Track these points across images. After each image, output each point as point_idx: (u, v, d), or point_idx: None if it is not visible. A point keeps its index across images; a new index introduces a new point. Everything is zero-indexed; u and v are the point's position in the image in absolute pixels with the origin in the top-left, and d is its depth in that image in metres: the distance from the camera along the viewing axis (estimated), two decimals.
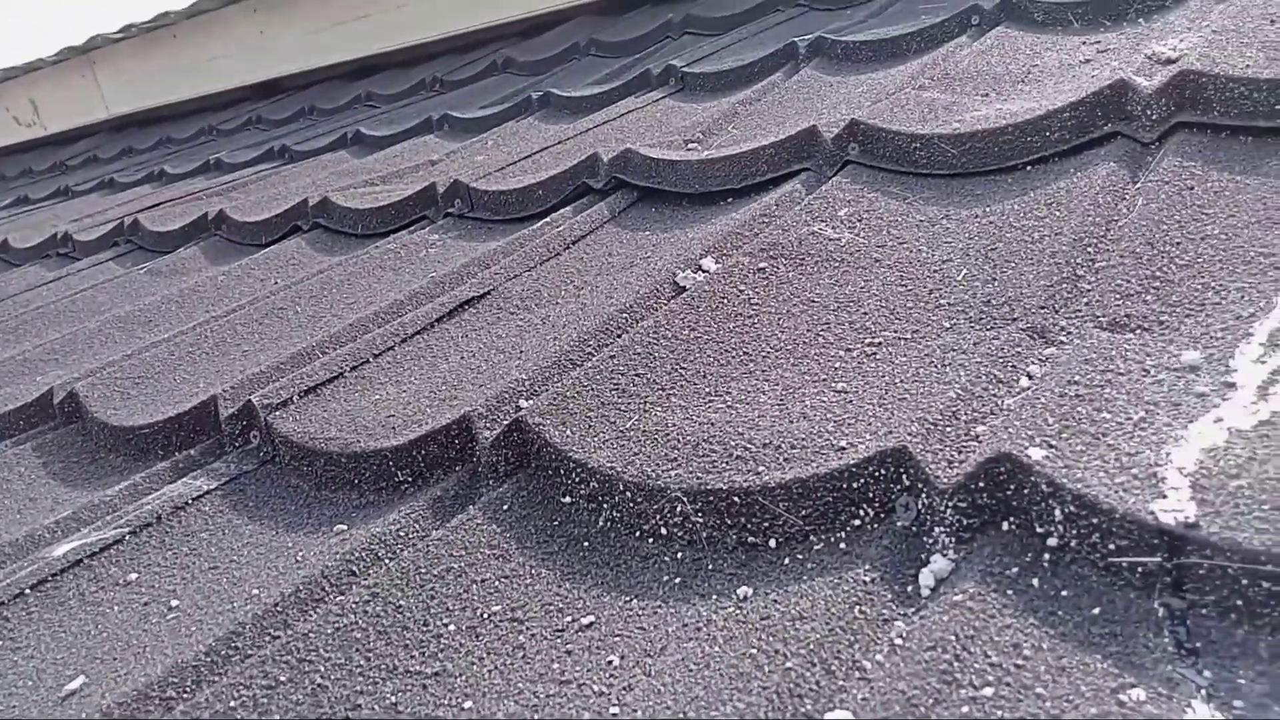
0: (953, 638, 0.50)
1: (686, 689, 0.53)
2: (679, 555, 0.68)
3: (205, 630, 0.70)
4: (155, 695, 0.62)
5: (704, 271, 1.10)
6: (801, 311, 0.95)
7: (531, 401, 0.86)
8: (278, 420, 0.99)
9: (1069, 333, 0.79)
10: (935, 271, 0.97)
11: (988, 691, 0.47)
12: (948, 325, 0.86)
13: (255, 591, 0.74)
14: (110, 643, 0.74)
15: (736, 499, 0.67)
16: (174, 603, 0.76)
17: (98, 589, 0.81)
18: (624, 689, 0.55)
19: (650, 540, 0.71)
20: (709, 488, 0.68)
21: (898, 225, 1.11)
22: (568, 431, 0.79)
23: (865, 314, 0.91)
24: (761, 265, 1.05)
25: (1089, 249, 0.92)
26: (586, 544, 0.72)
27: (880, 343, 0.86)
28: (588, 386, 0.86)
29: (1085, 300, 0.83)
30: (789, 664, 0.52)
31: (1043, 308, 0.83)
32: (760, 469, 0.68)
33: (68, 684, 0.69)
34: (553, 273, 1.27)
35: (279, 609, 0.69)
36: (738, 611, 0.60)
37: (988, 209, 1.07)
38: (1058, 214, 0.99)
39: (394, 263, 1.51)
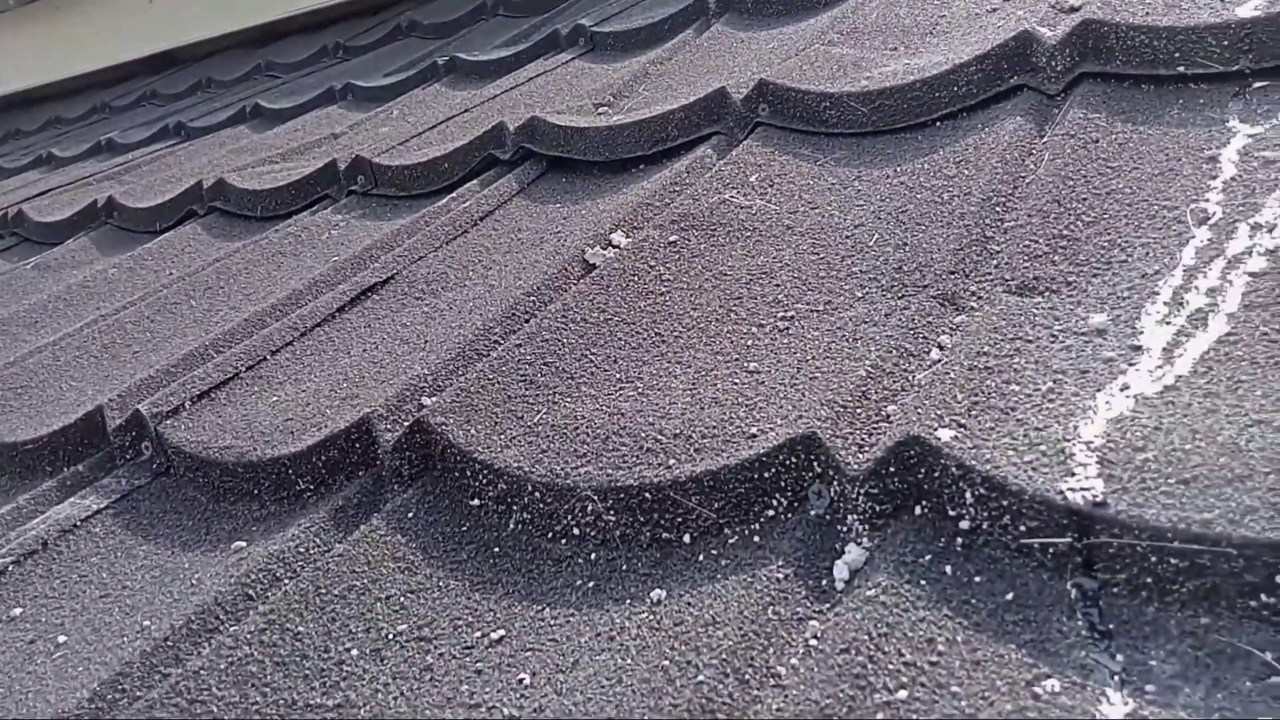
0: (866, 637, 0.48)
1: (599, 708, 0.51)
2: (592, 556, 0.66)
3: (92, 671, 0.65)
4: None
5: (615, 247, 1.07)
6: (713, 286, 0.92)
7: (434, 399, 0.82)
8: (169, 430, 0.93)
9: (979, 298, 0.78)
10: (848, 237, 0.95)
11: (901, 694, 0.45)
12: (860, 295, 0.84)
13: (146, 623, 0.70)
14: None
15: (648, 495, 0.65)
16: (61, 639, 0.72)
17: None
18: (535, 710, 0.53)
19: (563, 541, 0.68)
20: (620, 484, 0.66)
21: (810, 189, 1.08)
22: (472, 430, 0.76)
23: (778, 286, 0.89)
24: (672, 238, 1.02)
25: (997, 209, 0.90)
26: (497, 549, 0.69)
27: (793, 316, 0.84)
28: (493, 380, 0.82)
29: (994, 263, 0.82)
30: (701, 676, 0.50)
31: (953, 273, 0.82)
32: (671, 462, 0.65)
33: None
34: (459, 252, 1.22)
35: (169, 643, 0.65)
36: (651, 617, 0.58)
37: (899, 168, 1.06)
38: (966, 172, 0.98)
39: (294, 247, 1.45)
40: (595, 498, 0.66)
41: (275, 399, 0.95)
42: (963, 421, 0.58)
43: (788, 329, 0.82)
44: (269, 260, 1.42)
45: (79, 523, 0.86)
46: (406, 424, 0.79)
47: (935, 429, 0.57)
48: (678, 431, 0.69)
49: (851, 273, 0.88)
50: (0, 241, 2.19)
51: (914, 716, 0.44)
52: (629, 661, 0.54)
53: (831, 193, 1.06)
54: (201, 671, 0.60)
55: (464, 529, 0.72)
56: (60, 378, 1.17)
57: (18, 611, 0.76)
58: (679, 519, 0.64)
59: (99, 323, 1.32)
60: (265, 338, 1.07)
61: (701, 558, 0.62)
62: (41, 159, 3.10)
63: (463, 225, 1.29)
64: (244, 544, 0.78)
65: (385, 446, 0.79)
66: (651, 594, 0.60)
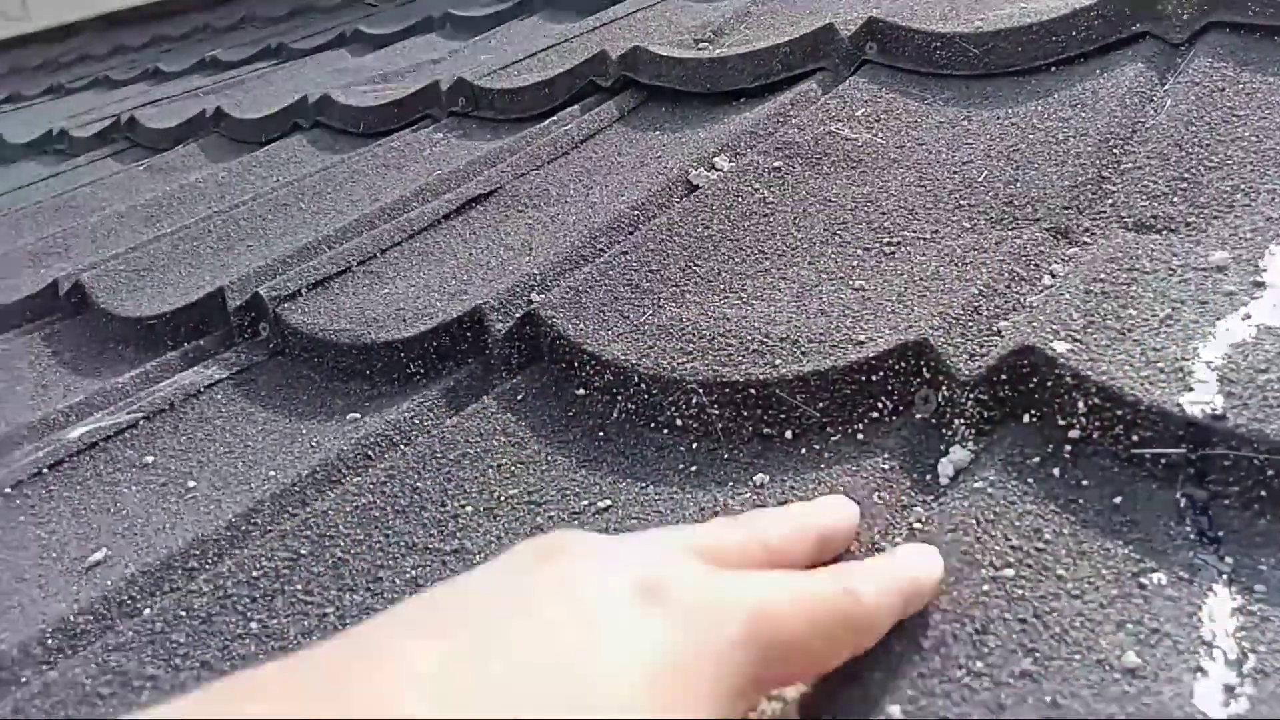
0: (973, 522, 0.50)
1: None
2: (694, 446, 0.68)
3: (224, 508, 0.70)
4: (178, 565, 0.63)
5: (717, 170, 1.08)
6: (818, 211, 0.93)
7: (544, 295, 0.85)
8: (286, 312, 0.98)
9: (1092, 233, 0.78)
10: (955, 173, 0.95)
11: (1008, 572, 0.47)
12: (968, 225, 0.84)
13: (272, 474, 0.74)
14: (130, 520, 0.74)
15: (753, 391, 0.67)
16: (191, 484, 0.77)
17: (114, 470, 0.81)
18: None
19: (665, 431, 0.71)
20: (725, 380, 0.68)
21: (917, 126, 1.08)
22: (580, 324, 0.79)
23: (883, 214, 0.90)
24: (777, 164, 1.03)
25: (1114, 150, 0.90)
26: (601, 434, 0.72)
27: (899, 242, 0.84)
28: (600, 281, 0.85)
29: (1110, 201, 0.82)
30: None
31: (1066, 208, 0.82)
32: (778, 362, 0.67)
33: (91, 555, 0.70)
34: (560, 171, 1.25)
35: (297, 488, 0.69)
36: (754, 496, 0.60)
37: (1010, 110, 1.05)
38: (1083, 115, 0.97)
39: (397, 160, 1.49)
40: (700, 391, 0.69)
41: (386, 291, 0.99)
42: (1078, 337, 0.59)
43: (893, 253, 0.83)
44: (374, 171, 1.46)
45: (202, 389, 0.92)
46: (517, 316, 0.82)
47: (1051, 341, 0.58)
48: (784, 335, 0.71)
49: (959, 205, 0.89)
50: (113, 145, 2.28)
51: (1019, 591, 0.46)
52: None
53: (939, 130, 1.06)
54: (329, 512, 0.64)
55: (570, 414, 0.75)
56: (179, 263, 1.23)
57: (150, 459, 0.82)
58: (782, 415, 0.66)
59: (213, 218, 1.38)
60: (375, 237, 1.11)
61: (804, 451, 0.64)
62: (149, 72, 3.19)
63: (563, 146, 1.31)
64: (358, 416, 0.82)
65: (496, 336, 0.82)
66: (754, 478, 0.62)
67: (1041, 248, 0.76)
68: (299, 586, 0.59)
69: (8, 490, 0.80)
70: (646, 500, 0.63)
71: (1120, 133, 0.92)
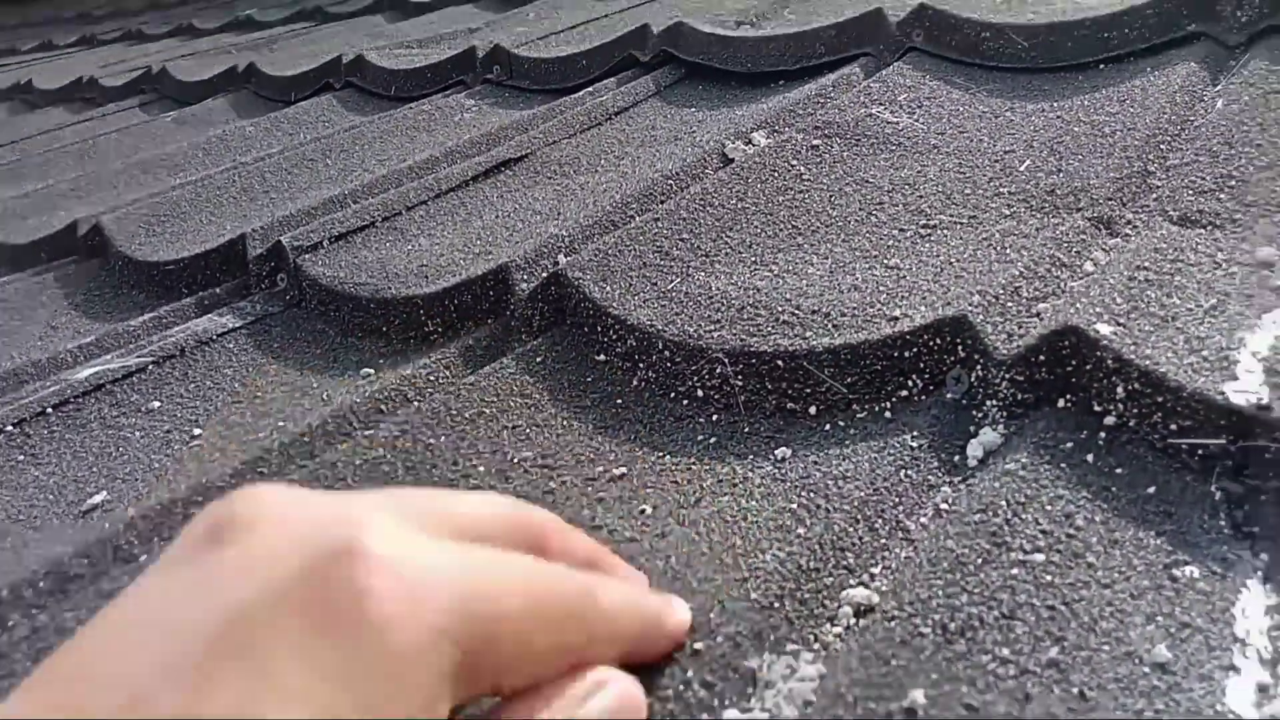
0: (1003, 503, 0.48)
1: (723, 538, 0.52)
2: (715, 417, 0.67)
3: (230, 456, 0.69)
4: (179, 511, 0.62)
5: (754, 145, 1.06)
6: (854, 190, 0.91)
7: (571, 257, 0.83)
8: (307, 263, 0.97)
9: (1135, 225, 0.76)
10: (996, 161, 0.93)
11: (1038, 557, 0.45)
12: (1008, 212, 0.82)
13: (281, 424, 0.73)
14: (132, 464, 0.73)
15: (780, 363, 0.65)
16: (196, 431, 0.76)
17: (119, 414, 0.80)
18: (657, 536, 0.54)
19: (686, 401, 0.69)
20: (752, 350, 0.66)
21: (959, 114, 1.06)
22: (607, 288, 0.77)
23: (921, 197, 0.88)
24: (815, 143, 1.01)
25: (1161, 146, 0.87)
26: (620, 401, 0.71)
27: (936, 225, 0.82)
28: (629, 246, 0.83)
29: (1155, 195, 0.80)
30: (831, 518, 0.50)
31: (1110, 199, 0.79)
32: (807, 334, 0.66)
33: (90, 498, 0.69)
34: (593, 141, 1.23)
35: (305, 439, 0.68)
36: (775, 470, 0.58)
37: (1055, 104, 1.03)
38: (1131, 110, 0.94)
39: (428, 123, 1.47)
40: (725, 360, 0.67)
41: (410, 248, 0.98)
42: (1121, 321, 0.57)
43: (930, 235, 0.81)
44: (403, 132, 1.44)
45: (215, 337, 0.90)
46: (543, 276, 0.81)
47: (1093, 323, 0.56)
48: (815, 308, 0.69)
49: (999, 193, 0.86)
50: (141, 95, 2.27)
51: (1048, 577, 0.44)
52: (753, 504, 0.55)
53: (982, 119, 1.04)
54: (338, 464, 0.63)
55: (589, 379, 0.73)
56: (200, 211, 1.22)
57: (156, 404, 0.81)
58: (808, 390, 0.64)
59: (238, 169, 1.37)
60: (401, 194, 1.09)
61: (828, 427, 0.62)
62: (182, 28, 3.19)
63: (597, 117, 1.29)
64: (372, 372, 0.81)
65: (520, 295, 0.80)
66: (776, 451, 0.60)
67: (1084, 236, 0.74)
68: None
69: (9, 428, 0.79)
70: (663, 470, 0.61)
71: (1169, 129, 0.90)
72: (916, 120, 1.05)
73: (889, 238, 0.81)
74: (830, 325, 0.66)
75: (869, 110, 1.08)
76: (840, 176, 0.94)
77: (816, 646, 0.44)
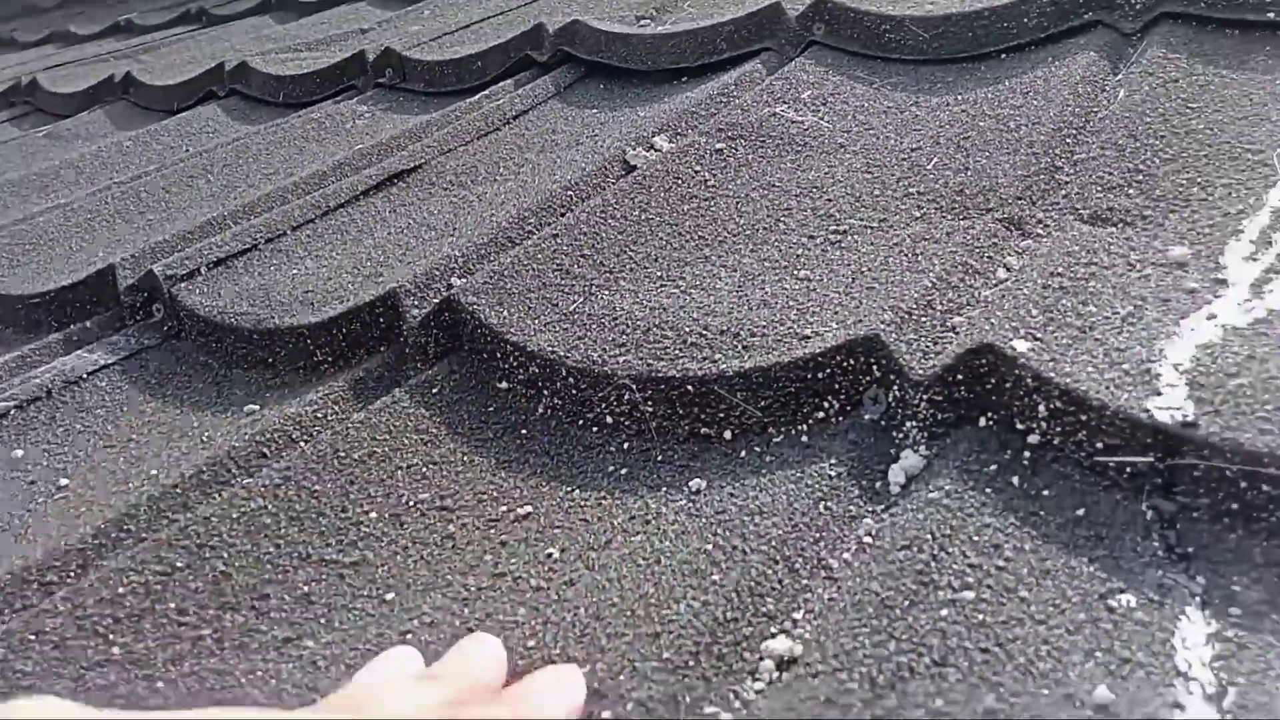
0: (928, 536, 0.45)
1: (634, 585, 0.48)
2: (625, 445, 0.63)
3: (95, 512, 0.62)
4: (33, 580, 0.55)
5: (656, 150, 1.02)
6: (761, 196, 0.88)
7: (465, 280, 0.78)
8: (183, 293, 0.90)
9: (1046, 225, 0.75)
10: (903, 159, 0.91)
11: (968, 594, 0.43)
12: (918, 214, 0.80)
13: (154, 472, 0.67)
14: None
15: (690, 388, 0.61)
16: (63, 481, 0.69)
17: None
18: (565, 583, 0.50)
19: (594, 429, 0.65)
20: (660, 375, 0.62)
21: (864, 110, 1.04)
22: (505, 312, 0.72)
23: (829, 200, 0.85)
24: (719, 146, 0.98)
25: (1067, 140, 0.86)
26: (524, 432, 0.66)
27: (845, 230, 0.80)
28: (527, 266, 0.78)
29: (1063, 192, 0.78)
30: (749, 559, 0.47)
31: (1019, 198, 0.78)
32: (717, 357, 0.62)
33: None
34: (491, 148, 1.18)
35: (179, 490, 0.62)
36: (690, 505, 0.55)
37: (959, 96, 1.01)
38: (1034, 103, 0.93)
39: (317, 133, 1.40)
40: (633, 386, 0.63)
41: (295, 272, 0.92)
42: (1039, 335, 0.55)
43: (840, 242, 0.78)
44: (290, 144, 1.37)
45: (85, 375, 0.83)
46: (435, 301, 0.76)
47: (1010, 339, 0.54)
48: (724, 328, 0.65)
49: (908, 193, 0.84)
50: (11, 110, 2.13)
51: (980, 616, 0.41)
52: (667, 544, 0.51)
53: (887, 115, 1.02)
54: (212, 518, 0.57)
55: (490, 409, 0.69)
56: (70, 237, 1.13)
57: (19, 454, 0.73)
58: (721, 414, 0.61)
59: (112, 189, 1.28)
60: (286, 213, 1.03)
61: (744, 454, 0.59)
62: (57, 35, 3.01)
63: (494, 122, 1.24)
64: (257, 407, 0.75)
65: (411, 323, 0.75)
66: (690, 483, 0.57)
67: (995, 239, 0.72)
68: (171, 605, 0.52)
69: None
70: (571, 506, 0.57)
71: (1074, 122, 0.89)
72: (821, 118, 1.03)
73: (798, 246, 0.78)
74: (740, 346, 0.63)
75: (773, 109, 1.05)
76: (746, 181, 0.91)
77: (737, 705, 0.41)
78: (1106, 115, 0.88)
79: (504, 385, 0.71)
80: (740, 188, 0.90)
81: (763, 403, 0.60)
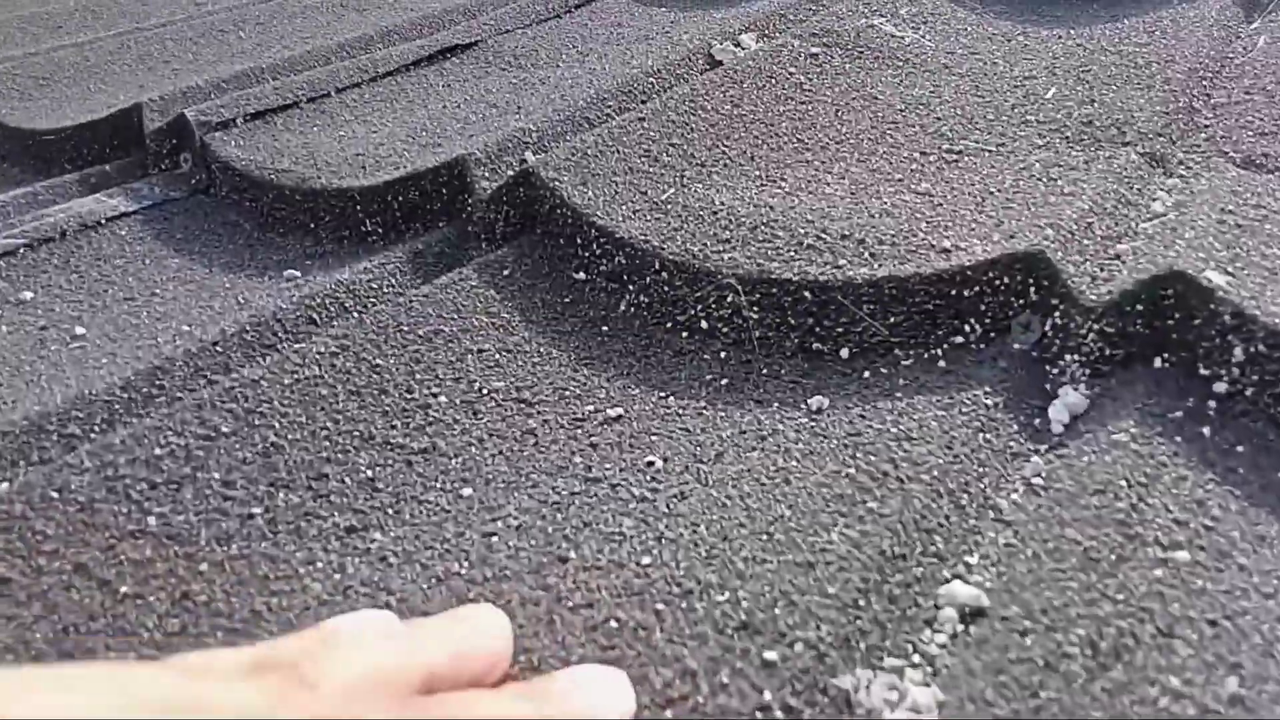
0: (1123, 483, 0.39)
1: (763, 506, 0.41)
2: (722, 354, 0.56)
3: (120, 363, 0.55)
4: (53, 429, 0.48)
5: (743, 48, 0.94)
6: (863, 106, 0.80)
7: (541, 155, 0.70)
8: (217, 142, 0.81)
9: (1190, 166, 0.67)
10: (1017, 86, 0.83)
11: (1181, 555, 0.36)
12: (1040, 143, 0.73)
13: (185, 328, 0.59)
14: None
15: (808, 294, 0.54)
16: (79, 330, 0.61)
17: None
18: (675, 497, 0.43)
19: (685, 334, 0.58)
20: (773, 277, 0.55)
21: (965, 34, 0.96)
22: (589, 193, 0.65)
23: (939, 119, 0.78)
24: (814, 50, 0.90)
25: (1204, 82, 0.79)
26: (605, 329, 0.59)
27: (961, 150, 0.72)
28: (611, 147, 0.70)
29: (1205, 135, 0.71)
30: (908, 490, 0.40)
31: (1159, 135, 0.70)
32: (841, 262, 0.55)
33: None
34: (551, 34, 1.08)
35: (219, 348, 0.55)
36: (813, 423, 0.48)
37: (1073, 31, 0.93)
38: (1165, 42, 0.85)
39: (358, 2, 1.30)
40: (738, 287, 0.56)
41: (342, 134, 0.83)
42: (1229, 270, 0.48)
43: (956, 161, 0.71)
44: (330, 9, 1.27)
45: (103, 220, 0.75)
46: (509, 174, 0.68)
47: (1202, 270, 0.47)
48: (845, 233, 0.58)
49: (1026, 120, 0.77)
50: None
51: (1200, 582, 0.35)
52: (794, 464, 0.44)
53: (993, 42, 0.94)
54: (261, 381, 0.50)
55: (566, 300, 0.61)
56: (89, 77, 1.03)
57: (28, 295, 0.65)
58: (839, 329, 0.54)
59: (134, 34, 1.17)
60: (331, 72, 0.93)
61: (867, 374, 0.52)
62: None
63: (556, 8, 1.15)
64: (297, 274, 0.67)
65: (480, 195, 0.67)
66: (809, 401, 0.50)
67: (1140, 172, 0.65)
68: (216, 475, 0.44)
69: None
70: (668, 414, 0.50)
71: (1209, 65, 0.81)
72: (923, 36, 0.94)
73: (911, 160, 0.71)
74: (866, 254, 0.55)
75: (869, 20, 0.96)
76: (845, 90, 0.83)
77: (918, 660, 0.34)
78: (1244, 61, 0.81)
79: (581, 276, 0.63)
80: (839, 95, 0.82)
81: (891, 319, 0.53)
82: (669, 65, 0.87)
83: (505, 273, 0.63)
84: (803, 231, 0.58)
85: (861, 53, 0.90)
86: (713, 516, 0.41)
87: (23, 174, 0.89)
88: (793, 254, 0.56)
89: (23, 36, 1.29)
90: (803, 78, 0.85)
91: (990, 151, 0.72)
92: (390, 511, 0.44)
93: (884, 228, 0.58)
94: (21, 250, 0.70)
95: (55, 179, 0.82)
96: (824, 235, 0.58)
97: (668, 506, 0.42)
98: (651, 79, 0.85)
